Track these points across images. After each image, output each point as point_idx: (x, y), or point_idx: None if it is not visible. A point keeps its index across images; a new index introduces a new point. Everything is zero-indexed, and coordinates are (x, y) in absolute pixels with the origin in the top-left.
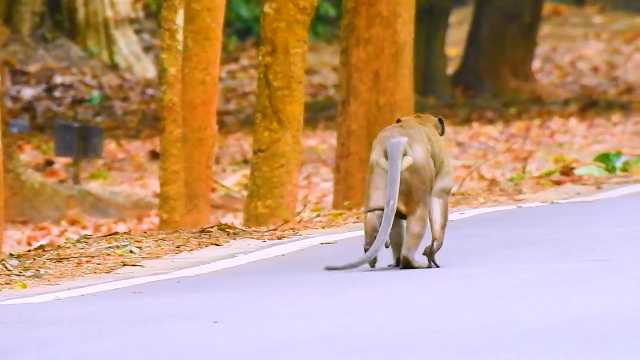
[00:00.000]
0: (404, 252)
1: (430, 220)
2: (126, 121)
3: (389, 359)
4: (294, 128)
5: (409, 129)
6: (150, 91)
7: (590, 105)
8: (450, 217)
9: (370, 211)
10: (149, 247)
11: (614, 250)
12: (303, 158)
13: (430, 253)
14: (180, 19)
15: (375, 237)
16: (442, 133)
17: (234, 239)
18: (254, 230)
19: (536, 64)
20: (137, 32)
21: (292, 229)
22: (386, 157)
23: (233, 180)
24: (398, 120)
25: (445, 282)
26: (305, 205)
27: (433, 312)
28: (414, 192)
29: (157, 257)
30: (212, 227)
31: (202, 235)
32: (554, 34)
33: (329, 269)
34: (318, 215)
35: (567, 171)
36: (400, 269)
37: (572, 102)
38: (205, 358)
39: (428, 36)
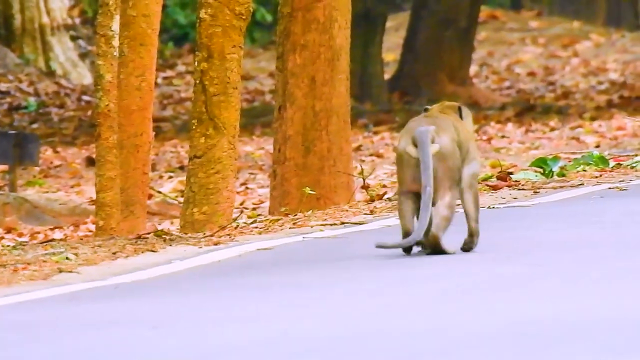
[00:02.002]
0: (433, 230)
1: (466, 213)
2: (62, 128)
3: None
4: (230, 134)
5: (435, 118)
6: (86, 98)
7: (527, 110)
8: (387, 222)
9: (402, 194)
10: (85, 253)
11: (551, 254)
12: (239, 164)
13: (469, 249)
14: (116, 25)
15: (403, 225)
16: (462, 118)
17: (171, 245)
18: (191, 237)
19: (473, 69)
20: (74, 38)
21: (228, 235)
22: (414, 144)
23: (169, 186)
24: (425, 110)
25: (385, 286)
26: (241, 212)
27: (372, 316)
28: (441, 178)
29: (94, 263)
30: (148, 234)
31: (139, 242)
32: (490, 38)
33: (379, 246)
34: (254, 222)
35: (504, 176)
36: (428, 252)
37: (509, 107)
38: None
39: (365, 41)
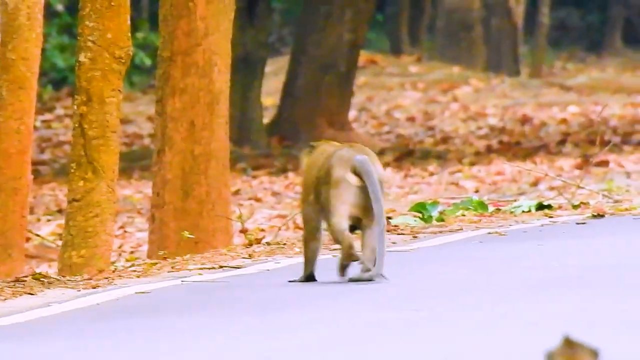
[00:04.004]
0: (379, 271)
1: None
2: None
3: None
4: (108, 177)
5: (358, 148)
6: None
7: (407, 155)
8: (266, 266)
9: (340, 226)
10: None
11: (430, 300)
12: (118, 207)
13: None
14: None
15: (352, 252)
16: None
17: (49, 288)
18: (69, 280)
19: (352, 114)
20: None
21: (106, 278)
22: (354, 173)
23: (48, 229)
24: (311, 146)
25: (261, 333)
26: (120, 255)
27: None
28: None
29: None
30: (26, 277)
31: (17, 285)
32: (370, 83)
33: (352, 280)
34: (133, 265)
35: None
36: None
37: (388, 151)
38: None
39: (244, 86)
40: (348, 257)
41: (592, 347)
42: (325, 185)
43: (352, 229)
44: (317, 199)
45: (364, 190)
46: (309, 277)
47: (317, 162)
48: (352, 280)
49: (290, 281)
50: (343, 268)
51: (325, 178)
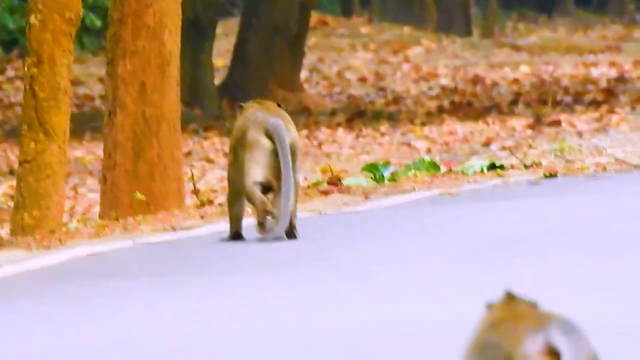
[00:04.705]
0: (292, 217)
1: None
2: None
3: None
4: (60, 139)
5: (277, 112)
6: None
7: (358, 115)
8: (218, 227)
9: (254, 184)
10: None
11: (380, 262)
12: (69, 169)
13: (292, 233)
14: None
15: (265, 208)
16: None
17: (0, 250)
18: (21, 241)
19: (303, 75)
20: None
21: (58, 239)
22: (267, 136)
23: (0, 191)
24: (240, 107)
25: (211, 294)
26: (71, 216)
27: (200, 324)
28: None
29: None
30: None
31: None
32: (321, 44)
33: (262, 239)
34: (85, 226)
35: (334, 181)
36: (290, 238)
37: (340, 112)
38: None
39: (195, 48)
40: (262, 213)
41: (531, 300)
42: (241, 147)
43: (268, 190)
44: (236, 160)
45: (276, 153)
46: (236, 236)
47: (238, 123)
48: (261, 240)
49: (221, 239)
50: (261, 225)
51: (241, 140)
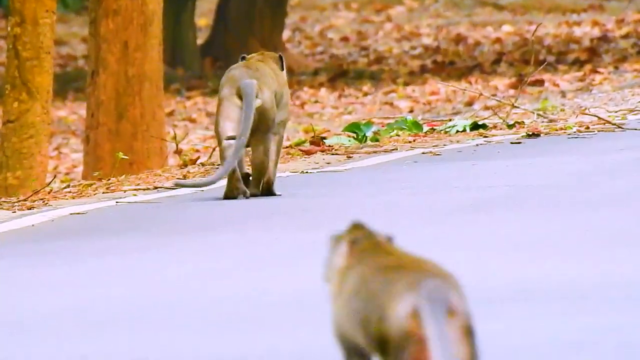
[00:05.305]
0: (270, 175)
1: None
2: None
3: (135, 332)
4: (43, 99)
5: (256, 71)
6: None
7: (340, 75)
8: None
9: (227, 139)
10: None
11: (364, 219)
12: (53, 129)
13: (267, 188)
14: None
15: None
16: (282, 69)
17: None
18: (4, 201)
19: (286, 34)
20: None
21: (42, 199)
22: (238, 95)
23: None
24: (242, 58)
25: (195, 253)
26: (55, 176)
27: (182, 283)
28: (260, 129)
29: None
30: None
31: None
32: (303, 3)
33: (177, 185)
34: (68, 186)
35: (317, 141)
36: (252, 194)
37: (322, 72)
38: None
39: (177, 7)
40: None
41: (385, 234)
42: (218, 103)
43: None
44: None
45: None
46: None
47: (221, 80)
48: (178, 184)
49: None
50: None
51: (219, 96)
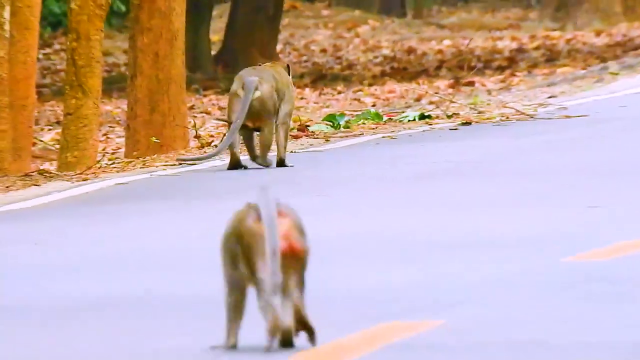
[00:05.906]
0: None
1: (277, 142)
2: None
3: (165, 272)
4: (94, 96)
5: (260, 71)
6: None
7: (320, 78)
8: (214, 163)
9: (229, 123)
10: None
11: (336, 189)
12: (101, 120)
13: (281, 163)
14: (7, 13)
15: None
16: (289, 74)
17: (50, 181)
18: (65, 174)
19: (279, 47)
20: None
21: (93, 173)
22: (242, 89)
23: (49, 136)
24: (259, 65)
25: (208, 215)
26: (103, 156)
27: (197, 236)
28: (261, 115)
29: None
30: (33, 172)
31: (26, 179)
32: (292, 23)
33: (180, 160)
34: (113, 163)
35: (302, 128)
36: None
37: (306, 75)
38: (24, 274)
39: (196, 25)
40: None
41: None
42: (229, 95)
43: (257, 130)
44: None
45: (252, 102)
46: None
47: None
48: (180, 160)
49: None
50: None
51: (230, 90)
